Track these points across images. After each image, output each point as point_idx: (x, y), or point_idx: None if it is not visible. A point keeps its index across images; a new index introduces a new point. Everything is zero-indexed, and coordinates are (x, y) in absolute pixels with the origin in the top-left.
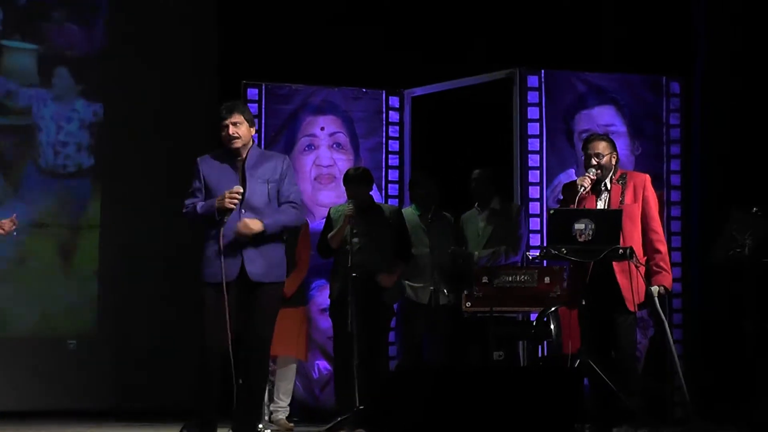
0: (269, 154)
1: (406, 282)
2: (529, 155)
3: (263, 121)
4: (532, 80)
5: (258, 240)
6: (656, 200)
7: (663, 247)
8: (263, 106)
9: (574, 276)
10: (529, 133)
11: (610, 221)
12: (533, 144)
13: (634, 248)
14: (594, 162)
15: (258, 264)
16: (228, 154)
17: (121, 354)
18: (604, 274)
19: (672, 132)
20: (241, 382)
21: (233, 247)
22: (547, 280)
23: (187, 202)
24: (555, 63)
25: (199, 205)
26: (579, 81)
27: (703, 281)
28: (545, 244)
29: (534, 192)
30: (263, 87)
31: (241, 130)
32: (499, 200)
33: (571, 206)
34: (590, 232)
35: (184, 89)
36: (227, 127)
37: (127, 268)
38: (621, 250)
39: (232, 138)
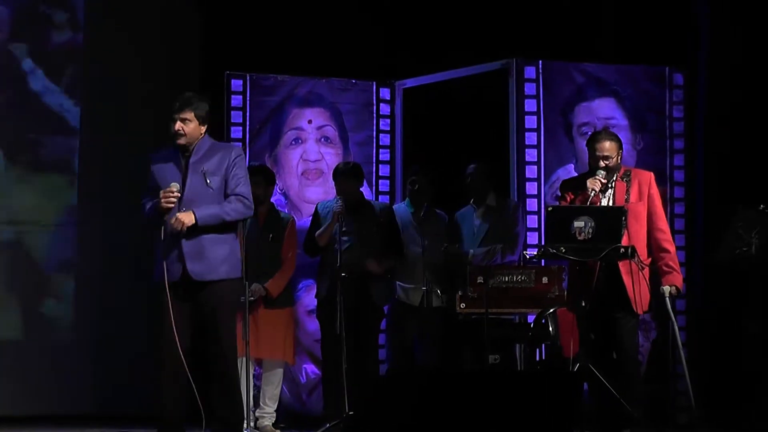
0: (219, 146)
1: (398, 283)
2: (526, 150)
3: (247, 114)
4: (529, 71)
5: (198, 236)
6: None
7: (671, 247)
8: (248, 98)
9: (575, 276)
10: (526, 126)
11: (611, 219)
12: (530, 138)
13: (639, 248)
14: (602, 164)
15: (199, 262)
16: (176, 148)
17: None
18: (609, 275)
19: (675, 125)
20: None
21: (174, 247)
22: (545, 280)
23: (144, 201)
24: (553, 53)
25: (147, 206)
26: (578, 72)
27: (707, 281)
28: (543, 243)
29: (531, 188)
30: (248, 78)
31: (188, 127)
32: (495, 196)
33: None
34: (590, 231)
35: (164, 80)
36: (174, 122)
37: (107, 265)
38: (622, 249)
39: (176, 135)
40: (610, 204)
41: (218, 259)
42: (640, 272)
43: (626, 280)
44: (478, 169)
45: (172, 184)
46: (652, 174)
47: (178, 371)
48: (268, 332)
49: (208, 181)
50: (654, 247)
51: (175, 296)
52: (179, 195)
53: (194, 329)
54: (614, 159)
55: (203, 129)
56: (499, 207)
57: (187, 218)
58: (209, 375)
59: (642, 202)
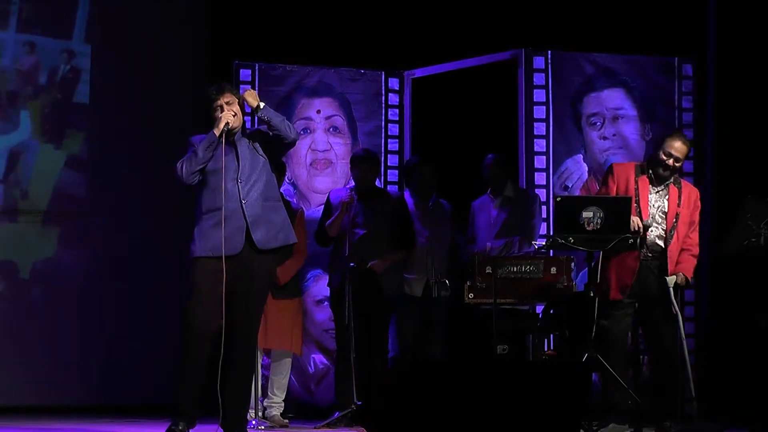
0: (250, 132)
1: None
2: (535, 140)
3: None
4: (538, 61)
5: (257, 203)
6: None
7: (695, 250)
8: (256, 88)
9: (609, 266)
10: (535, 116)
11: (619, 209)
12: (539, 128)
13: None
14: (671, 164)
15: (262, 229)
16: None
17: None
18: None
19: (684, 116)
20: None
21: (231, 218)
22: (553, 270)
23: (177, 164)
24: (562, 43)
25: (186, 158)
26: (587, 62)
27: (715, 273)
28: (551, 233)
29: (540, 178)
30: (256, 67)
31: (236, 108)
32: (513, 187)
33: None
34: (598, 221)
35: (173, 70)
36: (222, 108)
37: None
38: (630, 240)
39: (230, 120)
40: (664, 207)
41: (280, 225)
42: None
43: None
44: (496, 160)
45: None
46: (698, 191)
47: (205, 355)
48: (276, 322)
49: (257, 148)
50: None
51: (216, 271)
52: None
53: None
54: (680, 164)
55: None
56: (517, 198)
57: (252, 96)
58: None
59: (689, 210)
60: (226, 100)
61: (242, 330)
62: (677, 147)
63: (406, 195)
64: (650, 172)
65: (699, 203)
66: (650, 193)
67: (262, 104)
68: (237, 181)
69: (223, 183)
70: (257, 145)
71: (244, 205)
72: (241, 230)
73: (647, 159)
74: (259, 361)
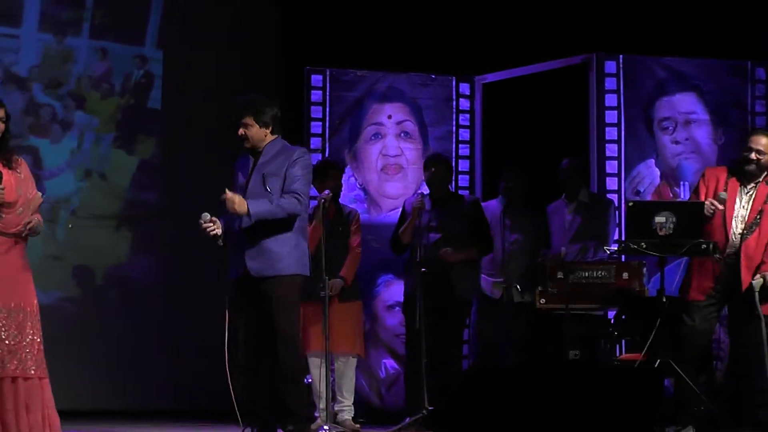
0: (287, 149)
1: (482, 276)
2: (607, 145)
3: (327, 109)
4: (610, 66)
5: (256, 234)
6: None
7: None
8: (327, 93)
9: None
10: (607, 121)
11: (692, 214)
12: (611, 133)
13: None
14: (753, 157)
15: (257, 259)
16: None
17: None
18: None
19: (757, 120)
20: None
21: (239, 246)
22: (625, 275)
23: None
24: (634, 47)
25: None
26: (659, 66)
27: None
28: (624, 238)
29: (612, 183)
30: (327, 73)
31: (250, 132)
32: (587, 192)
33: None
34: (671, 226)
35: (244, 76)
36: (239, 127)
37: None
38: (704, 245)
39: (240, 138)
40: (749, 206)
41: (275, 256)
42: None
43: (744, 276)
44: (571, 164)
45: (203, 215)
46: None
47: (253, 366)
48: (337, 326)
49: (267, 185)
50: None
51: (244, 292)
52: (213, 222)
53: (261, 324)
54: (764, 157)
55: (267, 132)
56: (592, 202)
57: (240, 206)
58: (274, 370)
59: None
60: (244, 121)
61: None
62: (759, 141)
63: (495, 201)
64: (740, 173)
65: None
66: (739, 194)
67: (245, 210)
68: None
69: None
70: (274, 178)
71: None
72: (244, 256)
73: (738, 161)
74: (324, 366)
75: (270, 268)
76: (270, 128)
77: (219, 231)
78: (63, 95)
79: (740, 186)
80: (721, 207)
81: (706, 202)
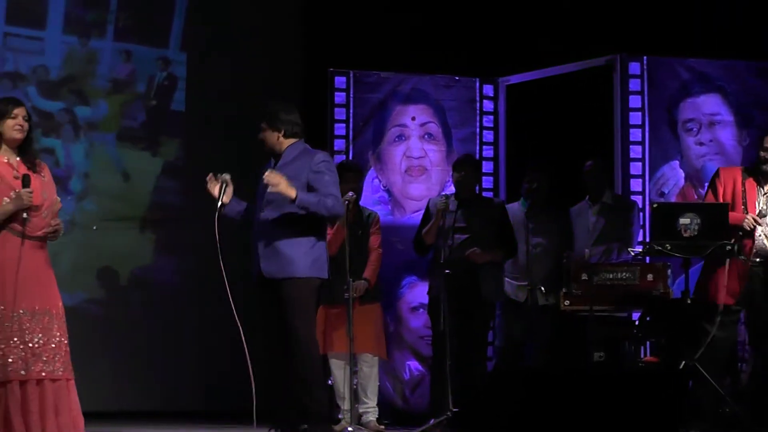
0: (307, 152)
1: (506, 279)
2: (631, 146)
3: (351, 111)
4: (634, 67)
5: (272, 237)
6: None
7: None
8: (351, 95)
9: (712, 272)
10: (631, 122)
11: (717, 215)
12: (635, 134)
13: None
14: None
15: (271, 262)
16: None
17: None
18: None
19: None
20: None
21: (256, 247)
22: (650, 277)
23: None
24: (658, 49)
25: None
26: (683, 68)
27: None
28: (648, 240)
29: (636, 185)
30: (351, 75)
31: (263, 135)
32: (611, 194)
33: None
34: (696, 227)
35: (268, 78)
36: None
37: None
38: (729, 246)
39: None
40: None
41: (287, 258)
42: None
43: None
44: (595, 166)
45: (224, 174)
46: None
47: (278, 367)
48: (360, 328)
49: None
50: None
51: (264, 292)
52: (225, 182)
53: (278, 325)
54: None
55: (279, 136)
56: (617, 204)
57: (288, 188)
58: (291, 370)
59: None
60: (260, 125)
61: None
62: None
63: (517, 204)
64: (757, 173)
65: None
66: (758, 195)
67: (292, 196)
68: (262, 203)
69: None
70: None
71: (257, 229)
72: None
73: (754, 162)
74: (348, 368)
75: (282, 271)
76: (282, 132)
77: (225, 199)
78: (87, 97)
79: (758, 186)
80: (761, 225)
81: (747, 218)
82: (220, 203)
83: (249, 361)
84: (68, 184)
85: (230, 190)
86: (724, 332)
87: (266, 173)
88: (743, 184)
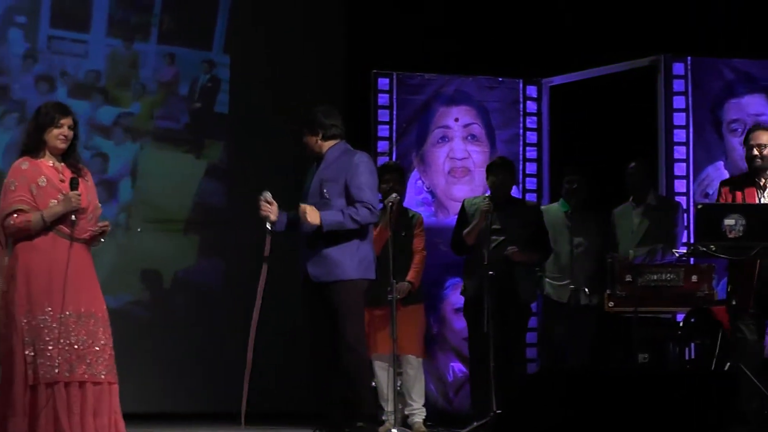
0: (346, 153)
1: (547, 280)
2: (675, 147)
3: (394, 112)
4: (678, 68)
5: (318, 241)
6: None
7: None
8: (394, 97)
9: (734, 274)
10: (675, 123)
11: (763, 216)
12: (679, 135)
13: None
14: (755, 153)
15: (317, 265)
16: None
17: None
18: None
19: None
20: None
21: (303, 251)
22: (694, 278)
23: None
24: (702, 49)
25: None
26: (727, 68)
27: None
28: (692, 241)
29: (680, 186)
30: (394, 76)
31: (305, 140)
32: (655, 195)
33: None
34: (741, 228)
35: (310, 80)
36: None
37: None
38: None
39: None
40: None
41: (333, 262)
42: None
43: None
44: (639, 167)
45: (264, 192)
46: None
47: (322, 369)
48: (403, 329)
49: (324, 190)
50: None
51: (312, 295)
52: (271, 203)
53: (325, 328)
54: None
55: (317, 139)
56: (660, 205)
57: (313, 217)
58: (339, 373)
59: None
60: (303, 131)
61: (338, 349)
62: (757, 135)
63: (556, 205)
64: (751, 176)
65: None
66: (759, 198)
67: (317, 222)
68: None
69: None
70: (331, 184)
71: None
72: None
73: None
74: (392, 370)
75: (329, 274)
76: (320, 135)
77: (272, 216)
78: (129, 100)
79: (757, 190)
80: None
81: None
82: (269, 226)
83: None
84: (112, 188)
85: (274, 207)
86: (754, 334)
87: (302, 210)
88: (743, 191)
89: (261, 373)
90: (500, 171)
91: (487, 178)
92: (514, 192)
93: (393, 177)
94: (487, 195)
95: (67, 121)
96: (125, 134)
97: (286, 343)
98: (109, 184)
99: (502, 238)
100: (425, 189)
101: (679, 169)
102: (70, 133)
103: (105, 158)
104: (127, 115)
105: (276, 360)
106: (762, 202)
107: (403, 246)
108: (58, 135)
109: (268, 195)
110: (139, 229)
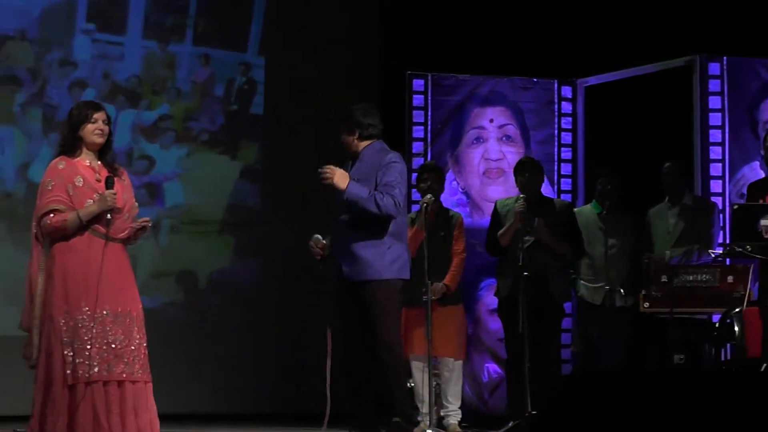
0: (379, 153)
1: (581, 282)
2: (711, 147)
3: (429, 113)
4: (714, 68)
5: (351, 240)
6: None
7: None
8: (429, 98)
9: (766, 274)
10: (711, 123)
11: None
12: (715, 135)
13: None
14: None
15: (350, 264)
16: None
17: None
18: None
19: None
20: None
21: (337, 250)
22: (730, 279)
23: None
24: (738, 49)
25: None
26: (763, 68)
27: None
28: (728, 242)
29: (716, 186)
30: (429, 77)
31: (342, 138)
32: (691, 195)
33: None
34: None
35: (346, 81)
36: None
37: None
38: None
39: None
40: None
41: (366, 261)
42: None
43: None
44: (675, 167)
45: (315, 237)
46: None
47: (354, 370)
48: (439, 330)
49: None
50: None
51: (346, 293)
52: (323, 248)
53: (359, 328)
54: None
55: (353, 138)
56: (696, 206)
57: (341, 180)
58: (374, 373)
59: None
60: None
61: (373, 349)
62: None
63: (589, 206)
64: None
65: None
66: None
67: (343, 186)
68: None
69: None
70: (363, 182)
71: (336, 232)
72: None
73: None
74: (428, 370)
75: (362, 274)
76: (357, 134)
77: (323, 254)
78: (164, 101)
79: None
80: None
81: None
82: (321, 267)
83: (329, 364)
84: (151, 188)
85: (323, 242)
86: None
87: (330, 169)
88: (764, 198)
89: (297, 374)
90: (527, 170)
91: (516, 179)
92: (548, 192)
93: (431, 176)
94: (521, 196)
95: (100, 116)
96: (163, 136)
97: (312, 344)
98: (149, 186)
99: (532, 238)
100: (460, 190)
101: (715, 169)
102: (106, 128)
103: (151, 161)
104: (162, 117)
105: (307, 360)
106: None
107: (441, 245)
108: (94, 130)
109: (319, 240)
110: (174, 230)
